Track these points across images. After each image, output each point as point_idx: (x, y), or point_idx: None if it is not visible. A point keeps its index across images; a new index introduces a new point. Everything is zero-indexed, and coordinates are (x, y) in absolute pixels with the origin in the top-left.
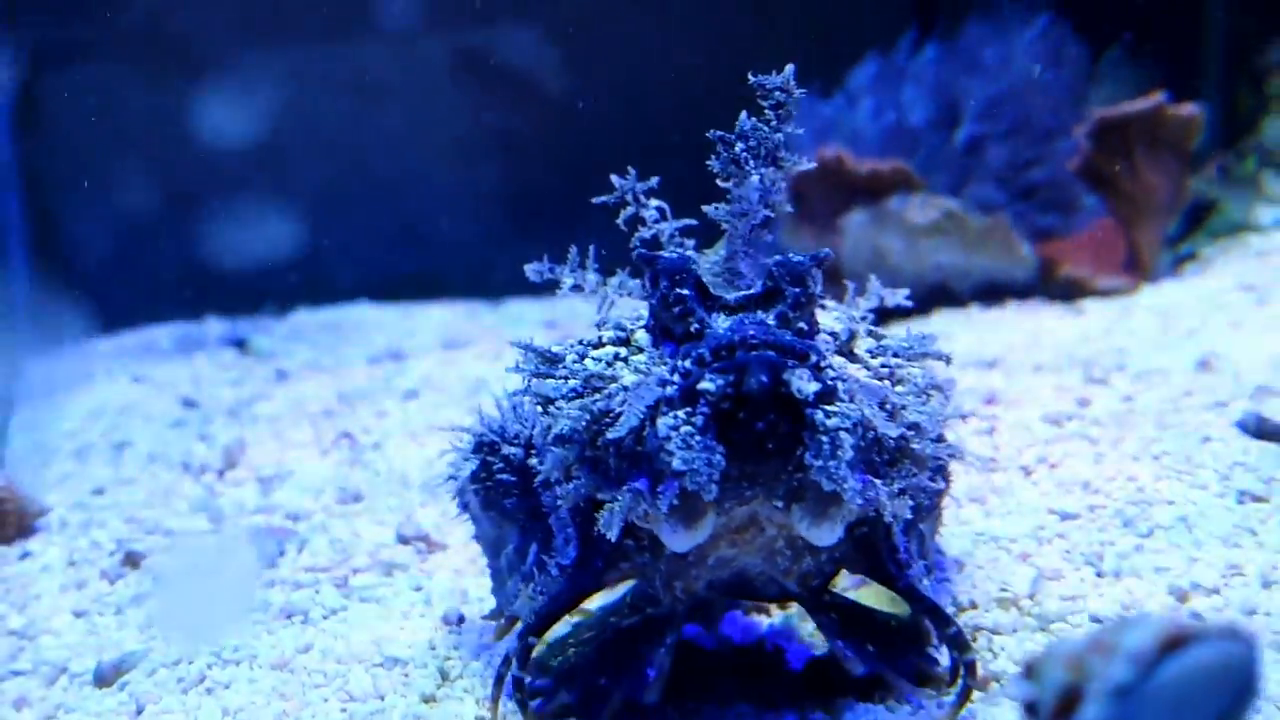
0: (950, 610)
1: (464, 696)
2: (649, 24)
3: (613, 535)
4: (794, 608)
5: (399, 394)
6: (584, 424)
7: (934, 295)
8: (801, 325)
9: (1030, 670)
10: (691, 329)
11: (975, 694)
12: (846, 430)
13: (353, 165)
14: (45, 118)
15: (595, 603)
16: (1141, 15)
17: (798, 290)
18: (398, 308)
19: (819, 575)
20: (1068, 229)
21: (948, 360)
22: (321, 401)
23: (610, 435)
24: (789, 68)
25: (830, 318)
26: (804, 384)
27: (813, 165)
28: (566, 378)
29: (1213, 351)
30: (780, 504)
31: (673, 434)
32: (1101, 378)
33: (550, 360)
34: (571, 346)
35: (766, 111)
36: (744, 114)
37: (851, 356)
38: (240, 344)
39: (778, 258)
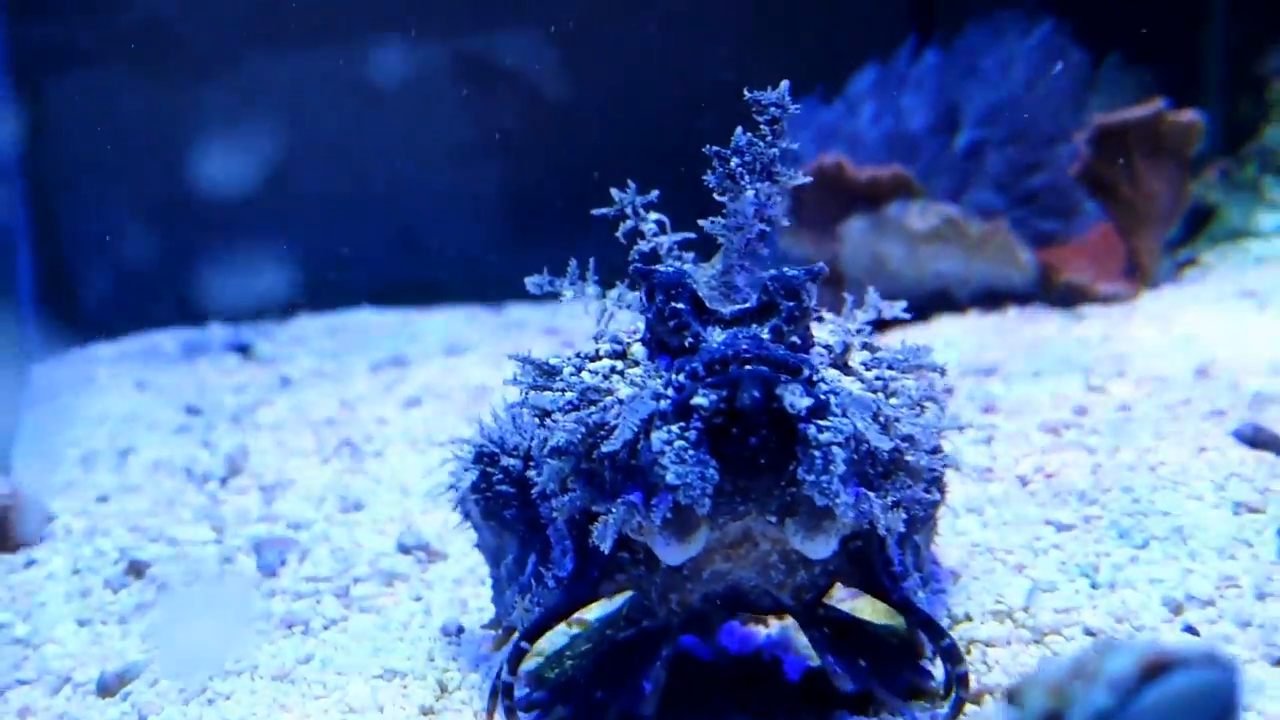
0: (944, 622)
1: (462, 709)
2: (649, 29)
3: (606, 547)
4: (791, 618)
5: (401, 401)
6: (579, 437)
7: (934, 301)
8: (795, 339)
9: (1013, 696)
10: (687, 343)
11: (968, 707)
12: (839, 445)
13: (355, 171)
14: (48, 122)
15: (592, 613)
16: (1142, 21)
17: (792, 304)
18: (399, 313)
19: (813, 588)
20: (1068, 234)
21: (942, 372)
22: (324, 409)
23: (605, 448)
24: (784, 84)
25: (825, 330)
26: (796, 399)
27: (808, 180)
28: (563, 390)
29: (1211, 359)
30: (774, 519)
31: (666, 448)
32: (1100, 385)
33: (547, 373)
34: (569, 359)
35: (762, 126)
36: (739, 129)
37: (846, 369)
38: (243, 350)
39: (773, 272)
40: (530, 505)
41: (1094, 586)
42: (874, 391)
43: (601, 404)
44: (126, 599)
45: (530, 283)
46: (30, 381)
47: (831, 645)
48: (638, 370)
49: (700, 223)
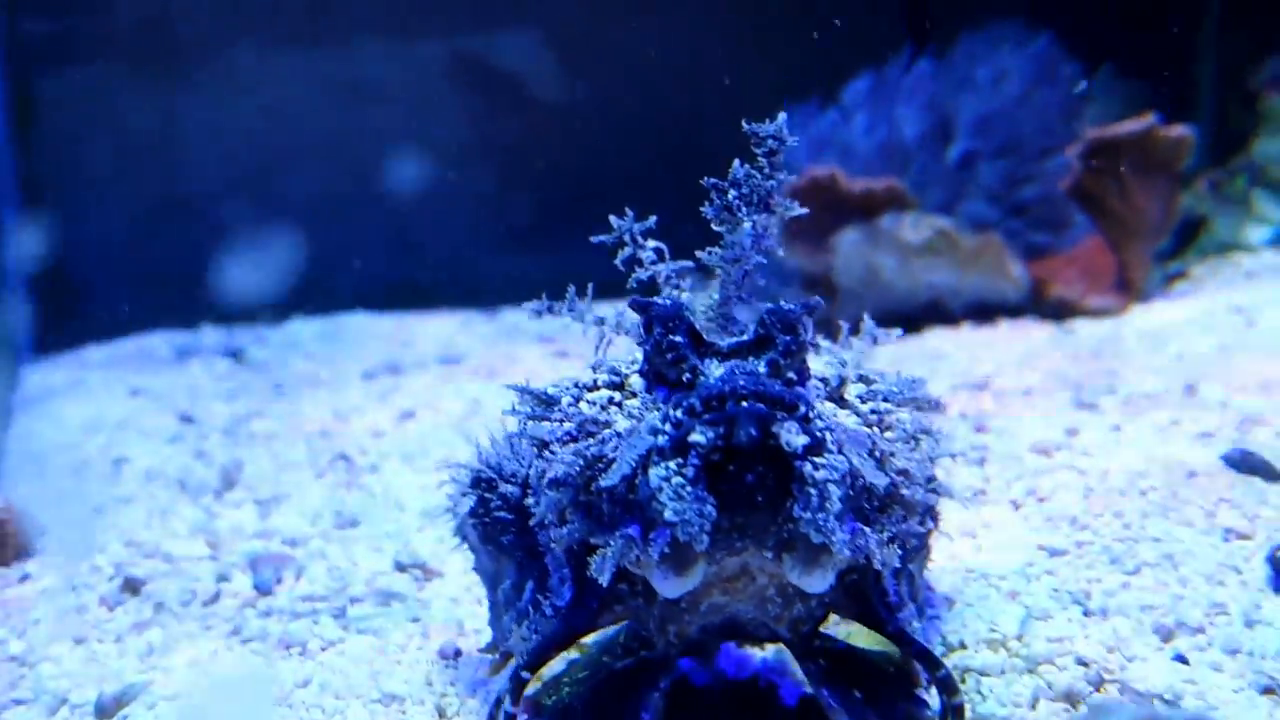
0: (939, 650)
1: None
2: (646, 36)
3: (604, 580)
4: None
5: (396, 413)
6: (578, 469)
7: (926, 313)
8: (791, 374)
9: None
10: (684, 377)
11: None
12: (834, 482)
13: (349, 173)
14: (42, 123)
15: (590, 637)
16: (1135, 33)
17: (789, 338)
18: (393, 317)
19: (809, 620)
20: (1059, 247)
21: (938, 406)
22: (318, 420)
23: (603, 482)
24: (781, 116)
25: (821, 362)
26: (793, 437)
27: (804, 212)
28: (561, 421)
29: (1201, 375)
30: (771, 554)
31: (664, 484)
32: (1091, 402)
33: (545, 403)
34: (567, 389)
35: (760, 158)
36: (737, 161)
37: (841, 402)
38: (236, 354)
39: (769, 305)
40: (528, 532)
41: (1086, 614)
42: (869, 425)
43: (600, 436)
44: (123, 617)
45: (529, 308)
46: (21, 385)
47: (827, 678)
48: (635, 402)
49: (698, 254)
